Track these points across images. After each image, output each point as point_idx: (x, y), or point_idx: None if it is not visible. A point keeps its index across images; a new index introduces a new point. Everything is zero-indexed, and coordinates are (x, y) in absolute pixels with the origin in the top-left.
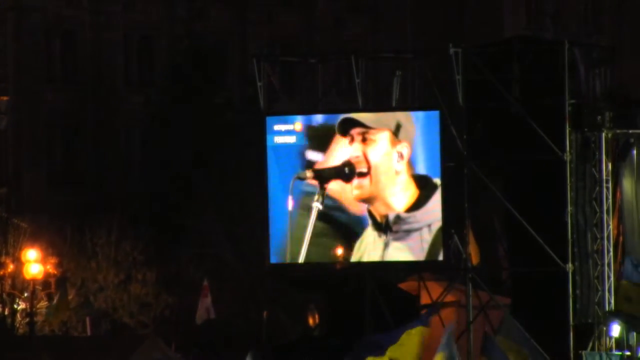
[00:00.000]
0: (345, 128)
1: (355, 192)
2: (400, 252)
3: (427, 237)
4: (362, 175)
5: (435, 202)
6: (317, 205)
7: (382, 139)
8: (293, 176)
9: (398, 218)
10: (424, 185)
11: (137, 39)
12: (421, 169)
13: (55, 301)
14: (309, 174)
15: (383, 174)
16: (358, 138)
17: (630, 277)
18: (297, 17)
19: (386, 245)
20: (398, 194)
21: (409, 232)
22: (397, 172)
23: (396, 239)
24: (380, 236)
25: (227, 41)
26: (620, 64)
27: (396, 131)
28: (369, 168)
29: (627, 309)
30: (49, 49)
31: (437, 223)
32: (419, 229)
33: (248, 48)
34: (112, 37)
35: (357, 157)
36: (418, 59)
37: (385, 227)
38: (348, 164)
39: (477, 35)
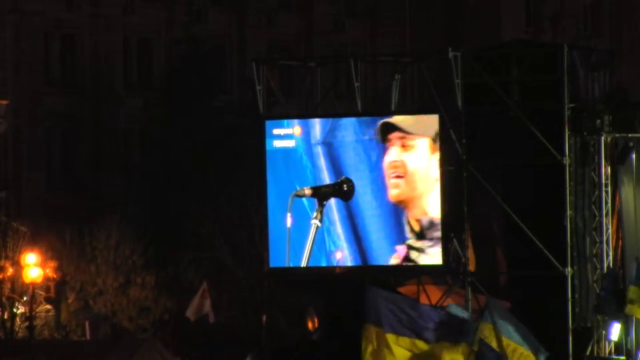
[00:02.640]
0: (385, 133)
1: (393, 192)
2: (432, 258)
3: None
4: (399, 177)
5: None
6: (315, 223)
7: (421, 145)
8: (291, 193)
9: (431, 224)
10: None
11: (136, 42)
12: None
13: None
14: (307, 191)
15: (420, 180)
16: (397, 143)
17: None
18: (296, 21)
19: (422, 251)
20: (435, 201)
21: (440, 239)
22: (436, 179)
23: (430, 246)
24: (415, 243)
25: (225, 44)
26: (620, 67)
27: (436, 138)
28: (406, 173)
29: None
30: (49, 52)
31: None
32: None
33: (247, 51)
34: (111, 40)
35: (395, 161)
36: (417, 63)
37: (420, 233)
38: (346, 181)
39: (476, 39)
